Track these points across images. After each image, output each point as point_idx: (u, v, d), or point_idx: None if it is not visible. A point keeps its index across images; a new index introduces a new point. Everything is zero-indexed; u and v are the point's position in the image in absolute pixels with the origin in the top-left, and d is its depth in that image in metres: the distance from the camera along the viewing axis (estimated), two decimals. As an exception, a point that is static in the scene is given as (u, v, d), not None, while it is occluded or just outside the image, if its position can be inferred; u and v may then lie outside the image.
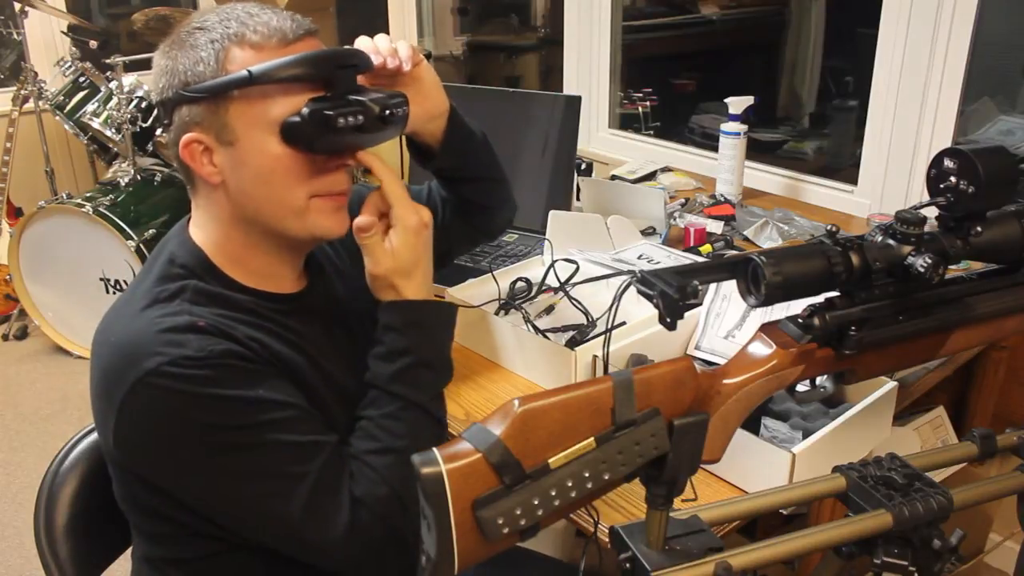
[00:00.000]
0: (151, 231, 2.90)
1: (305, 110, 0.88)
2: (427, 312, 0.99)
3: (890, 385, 1.18)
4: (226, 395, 0.86)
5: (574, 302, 1.42)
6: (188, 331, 0.88)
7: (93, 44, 3.30)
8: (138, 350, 0.86)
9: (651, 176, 2.37)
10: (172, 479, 0.91)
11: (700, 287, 0.63)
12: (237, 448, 0.87)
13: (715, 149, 2.18)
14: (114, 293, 2.98)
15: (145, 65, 3.18)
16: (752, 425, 1.18)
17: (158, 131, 3.17)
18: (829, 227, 0.70)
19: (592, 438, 0.63)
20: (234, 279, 0.97)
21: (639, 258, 1.61)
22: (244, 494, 0.89)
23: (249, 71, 0.88)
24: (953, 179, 0.70)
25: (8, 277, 3.16)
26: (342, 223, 0.97)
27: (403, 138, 1.10)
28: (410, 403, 0.95)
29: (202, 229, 0.98)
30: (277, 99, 0.89)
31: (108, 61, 3.11)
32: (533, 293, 1.46)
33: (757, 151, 2.37)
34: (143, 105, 3.14)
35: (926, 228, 0.69)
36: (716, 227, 1.88)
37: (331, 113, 0.88)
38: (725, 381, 0.68)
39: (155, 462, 0.90)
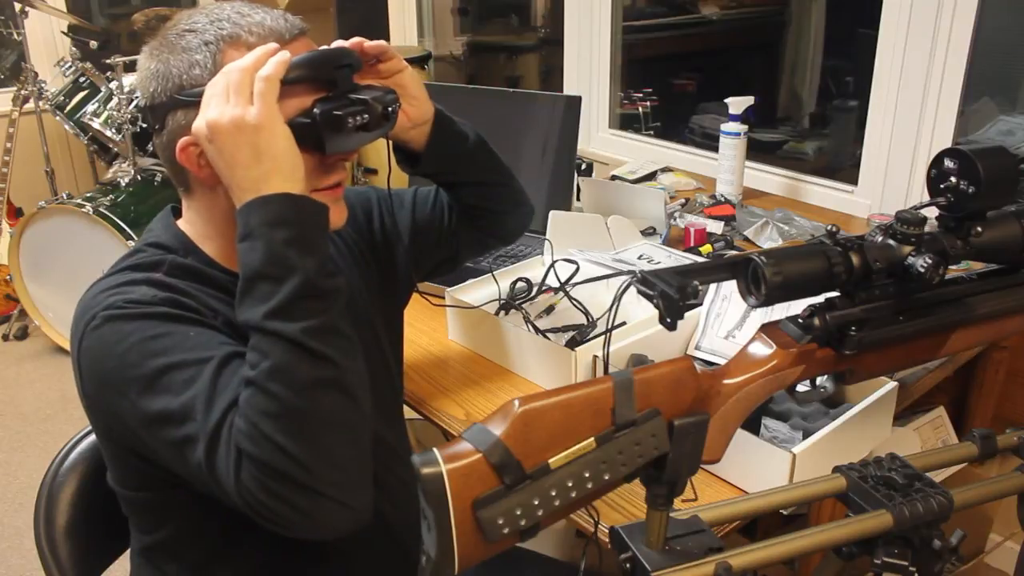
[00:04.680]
0: (151, 231, 2.90)
1: (316, 111, 0.89)
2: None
3: (890, 385, 1.18)
4: (155, 331, 0.85)
5: (574, 302, 1.42)
6: (140, 283, 0.89)
7: (93, 44, 3.30)
8: (90, 304, 0.89)
9: (651, 176, 2.37)
10: (122, 427, 0.89)
11: (700, 287, 0.63)
12: (156, 388, 0.84)
13: (715, 149, 2.18)
14: (114, 293, 2.98)
15: (145, 65, 3.18)
16: (752, 425, 1.18)
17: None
18: (829, 227, 0.70)
19: (592, 438, 0.63)
20: (217, 261, 0.97)
21: (639, 258, 1.61)
22: (166, 440, 0.84)
23: None
24: (953, 179, 0.70)
25: (8, 277, 3.16)
26: (342, 214, 0.98)
27: (389, 144, 1.10)
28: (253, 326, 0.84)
29: (194, 225, 0.98)
30: (280, 100, 0.88)
31: (108, 61, 3.11)
32: (533, 293, 1.46)
33: (757, 151, 2.37)
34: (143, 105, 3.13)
35: (926, 228, 0.69)
36: (716, 227, 1.88)
37: (340, 114, 0.89)
38: (725, 381, 0.68)
39: (106, 411, 0.90)
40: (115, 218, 2.85)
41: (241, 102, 0.84)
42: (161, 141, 0.94)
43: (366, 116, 0.91)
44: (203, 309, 0.90)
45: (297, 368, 0.79)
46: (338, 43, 0.97)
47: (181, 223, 1.00)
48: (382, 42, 1.00)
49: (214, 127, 0.84)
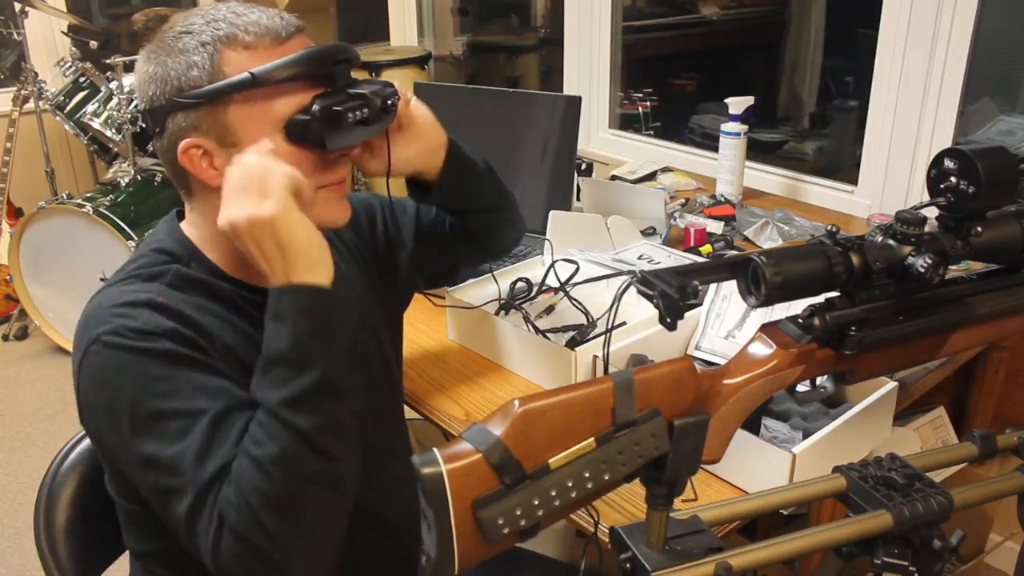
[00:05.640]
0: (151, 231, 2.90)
1: (315, 108, 0.89)
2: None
3: (890, 385, 1.18)
4: (154, 373, 0.85)
5: (574, 302, 1.42)
6: (144, 306, 0.88)
7: (93, 44, 3.30)
8: (94, 319, 0.89)
9: (651, 176, 2.37)
10: (109, 451, 0.90)
11: (700, 287, 0.63)
12: (147, 430, 0.84)
13: (715, 149, 2.18)
14: (114, 293, 2.98)
15: (145, 65, 3.17)
16: (752, 425, 1.18)
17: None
18: (829, 227, 0.70)
19: (592, 438, 0.63)
20: (222, 268, 0.97)
21: (639, 258, 1.61)
22: (148, 482, 0.85)
23: (252, 73, 0.88)
24: (953, 179, 0.70)
25: (8, 277, 3.16)
26: (345, 211, 0.99)
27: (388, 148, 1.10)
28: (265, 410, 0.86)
29: (198, 228, 0.98)
30: (279, 98, 0.89)
31: (108, 61, 3.11)
32: (533, 293, 1.46)
33: (757, 151, 2.37)
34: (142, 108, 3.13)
35: (926, 228, 0.69)
36: (716, 227, 1.88)
37: (340, 109, 0.90)
38: (725, 381, 0.68)
39: (97, 432, 0.91)
40: (115, 218, 2.85)
41: (252, 199, 0.84)
42: (162, 144, 0.93)
43: (365, 110, 0.91)
44: (202, 341, 0.89)
45: (301, 460, 0.82)
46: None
47: (185, 226, 0.99)
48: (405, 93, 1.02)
49: (234, 226, 0.85)
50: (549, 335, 1.36)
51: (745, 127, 2.10)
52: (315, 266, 0.86)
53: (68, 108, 3.26)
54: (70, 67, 3.28)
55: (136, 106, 3.12)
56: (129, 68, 3.11)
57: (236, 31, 0.89)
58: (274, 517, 0.80)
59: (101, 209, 2.86)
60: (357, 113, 0.91)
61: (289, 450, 0.81)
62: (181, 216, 1.02)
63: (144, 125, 3.05)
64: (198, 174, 0.92)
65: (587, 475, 0.63)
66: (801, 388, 0.73)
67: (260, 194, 0.84)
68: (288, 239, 0.84)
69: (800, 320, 0.70)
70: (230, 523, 0.80)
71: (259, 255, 0.86)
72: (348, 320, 0.89)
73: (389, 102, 0.94)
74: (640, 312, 1.36)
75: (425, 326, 1.52)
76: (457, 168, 1.10)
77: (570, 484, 0.62)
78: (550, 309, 1.46)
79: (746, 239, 1.90)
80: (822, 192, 2.23)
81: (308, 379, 0.83)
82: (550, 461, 0.62)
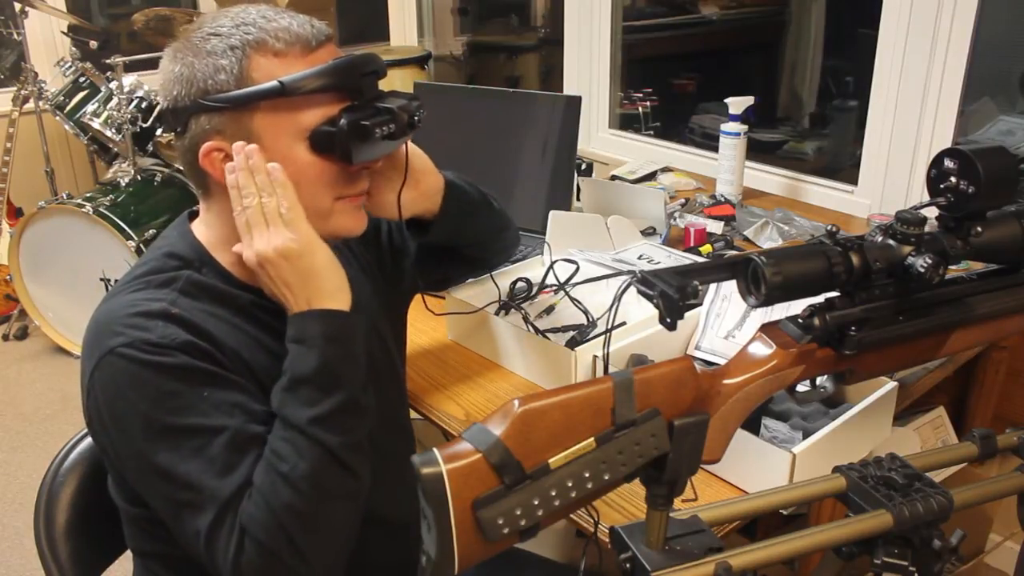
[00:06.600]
0: (151, 231, 2.90)
1: (343, 122, 0.89)
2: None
3: (890, 385, 1.18)
4: (170, 388, 0.85)
5: (574, 302, 1.42)
6: (158, 317, 0.88)
7: (93, 44, 3.30)
8: (108, 328, 0.88)
9: (651, 176, 2.37)
10: (118, 460, 0.91)
11: (700, 287, 0.63)
12: (162, 444, 0.85)
13: (715, 149, 2.18)
14: (114, 293, 2.98)
15: (145, 65, 3.18)
16: (752, 425, 1.18)
17: (159, 131, 3.17)
18: (829, 227, 0.70)
19: (592, 438, 0.63)
20: (233, 274, 0.97)
21: (639, 258, 1.61)
22: (162, 494, 0.87)
23: (281, 82, 0.87)
24: (953, 179, 0.70)
25: (8, 277, 3.16)
26: (362, 220, 0.99)
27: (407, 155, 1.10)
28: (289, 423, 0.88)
29: (211, 228, 0.98)
30: (306, 108, 0.89)
31: (108, 61, 3.11)
32: (533, 293, 1.46)
33: (757, 151, 2.37)
34: (143, 105, 3.13)
35: (926, 228, 0.69)
36: (716, 227, 1.88)
37: (367, 124, 0.89)
38: (725, 381, 0.68)
39: (107, 441, 0.91)
40: (115, 218, 2.85)
41: (278, 231, 0.88)
42: (183, 144, 0.93)
43: (392, 126, 0.91)
44: (215, 352, 0.89)
45: (329, 477, 0.85)
46: None
47: (197, 226, 0.99)
48: None
49: (262, 259, 0.88)
50: (549, 335, 1.36)
51: (745, 127, 2.10)
52: (336, 291, 0.90)
53: (68, 108, 3.26)
54: (70, 67, 3.28)
55: (136, 106, 3.12)
56: (129, 68, 3.11)
57: (266, 37, 0.89)
58: (302, 531, 0.83)
59: (101, 209, 2.86)
60: (384, 128, 0.90)
61: (320, 466, 0.84)
62: (191, 218, 1.02)
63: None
64: (219, 177, 0.92)
65: (587, 475, 0.63)
66: (801, 388, 0.73)
67: (283, 226, 0.88)
68: (309, 268, 0.88)
69: (800, 320, 0.70)
70: (255, 538, 0.82)
71: (282, 284, 0.89)
72: (364, 339, 0.92)
73: (416, 117, 0.94)
74: (640, 312, 1.36)
75: (425, 326, 1.52)
76: (454, 209, 1.11)
77: (570, 484, 0.62)
78: (550, 309, 1.46)
79: (746, 239, 1.90)
80: (822, 192, 2.23)
81: (336, 399, 0.87)
82: (550, 461, 0.62)
